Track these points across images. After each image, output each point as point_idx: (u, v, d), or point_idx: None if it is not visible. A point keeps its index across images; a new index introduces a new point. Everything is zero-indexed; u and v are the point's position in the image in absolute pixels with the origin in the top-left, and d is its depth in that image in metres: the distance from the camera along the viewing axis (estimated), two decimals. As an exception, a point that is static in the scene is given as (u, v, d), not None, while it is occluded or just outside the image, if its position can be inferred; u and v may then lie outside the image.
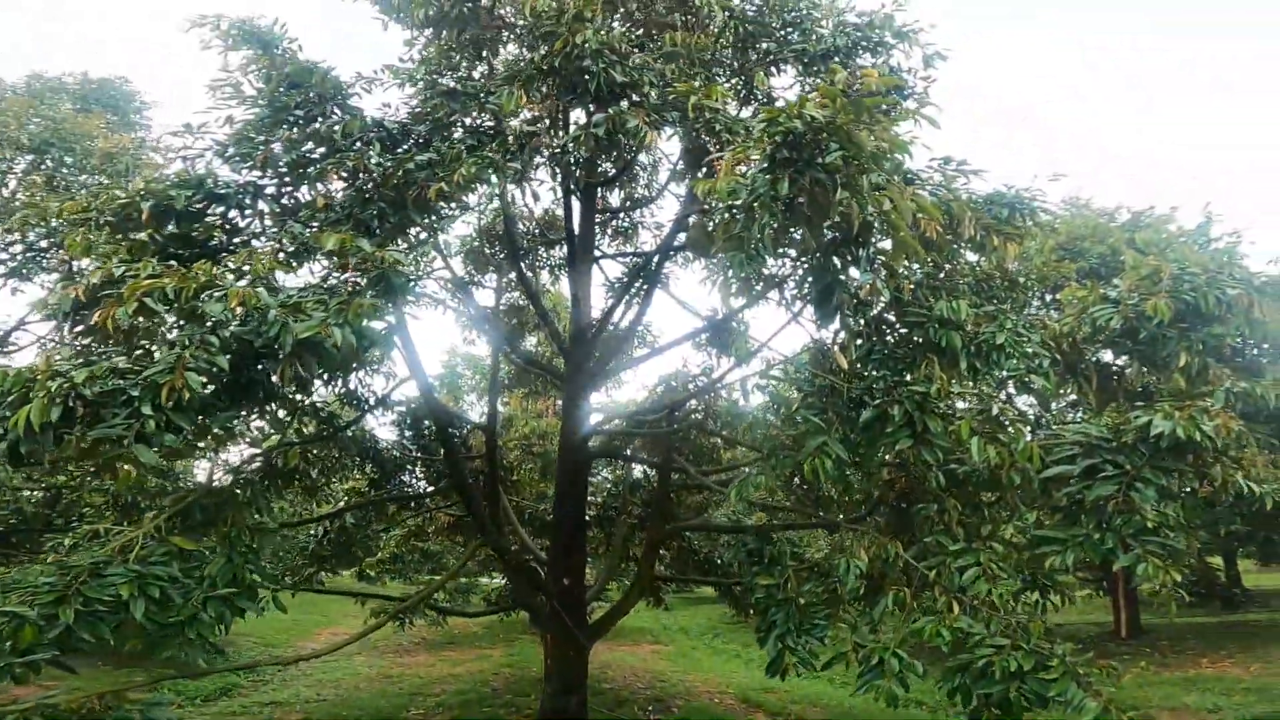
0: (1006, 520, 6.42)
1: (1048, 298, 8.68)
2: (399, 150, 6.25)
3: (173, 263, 4.46)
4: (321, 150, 6.19)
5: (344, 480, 11.03)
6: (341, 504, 10.39)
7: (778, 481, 6.34)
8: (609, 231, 10.90)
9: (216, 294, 3.97)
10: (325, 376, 5.69)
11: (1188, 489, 5.73)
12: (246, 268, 4.33)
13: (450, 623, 17.03)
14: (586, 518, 10.49)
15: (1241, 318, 7.07)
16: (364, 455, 9.47)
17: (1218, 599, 18.96)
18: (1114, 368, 8.09)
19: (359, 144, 6.14)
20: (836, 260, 5.09)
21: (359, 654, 15.89)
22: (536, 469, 13.05)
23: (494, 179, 5.78)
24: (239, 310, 4.17)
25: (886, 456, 5.93)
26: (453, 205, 6.36)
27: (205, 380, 3.79)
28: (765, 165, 4.29)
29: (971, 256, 6.77)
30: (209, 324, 3.93)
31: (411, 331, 6.96)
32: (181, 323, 4.13)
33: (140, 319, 4.07)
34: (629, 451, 10.89)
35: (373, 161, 5.89)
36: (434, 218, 6.34)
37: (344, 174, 6.04)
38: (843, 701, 11.35)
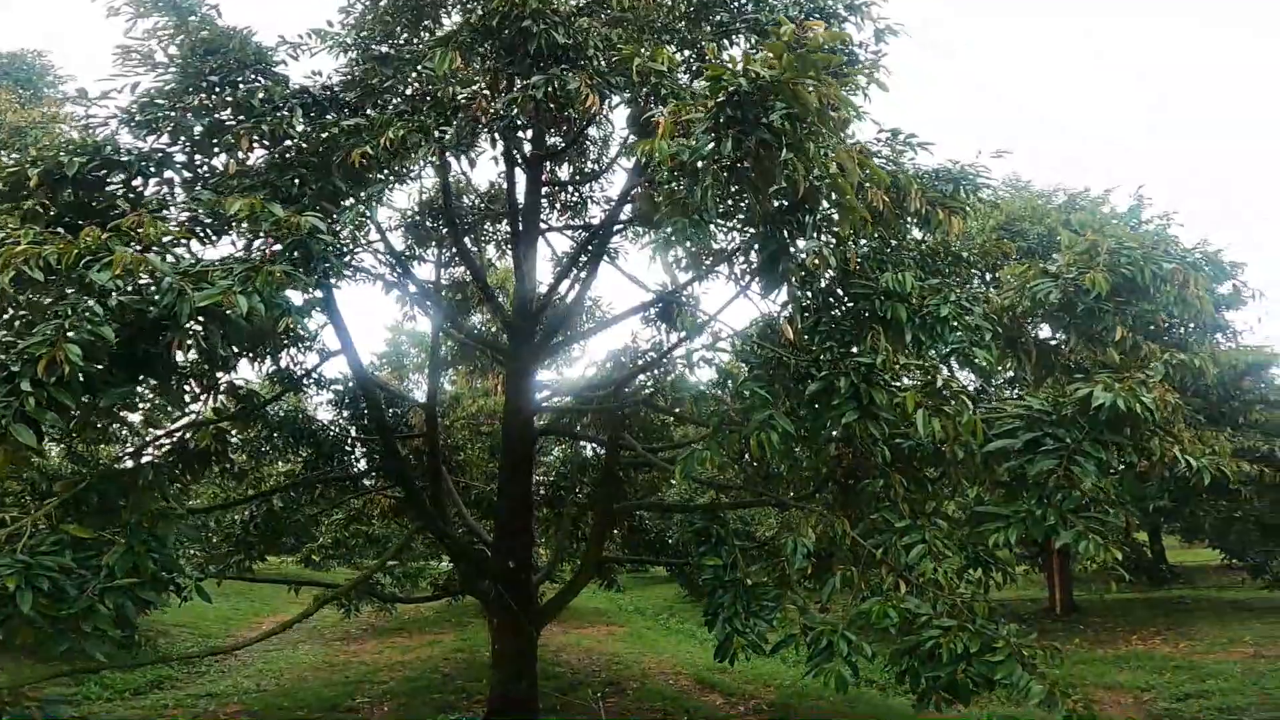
0: (949, 496, 6.43)
1: (988, 276, 8.78)
2: (326, 117, 5.90)
3: (60, 229, 4.07)
4: (240, 118, 5.81)
5: (279, 463, 10.59)
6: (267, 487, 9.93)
7: (725, 457, 6.22)
8: (557, 205, 10.61)
9: (103, 260, 3.62)
10: (247, 352, 5.36)
11: (1125, 463, 5.77)
12: (140, 230, 3.95)
13: (400, 608, 16.65)
14: (535, 497, 10.29)
15: (1174, 294, 7.18)
16: (297, 436, 9.07)
17: (1145, 575, 19.56)
18: (1052, 342, 8.18)
19: (282, 111, 5.77)
20: (784, 230, 4.96)
21: (304, 642, 15.44)
22: (485, 448, 12.75)
23: (424, 144, 5.46)
24: (141, 279, 3.84)
25: (834, 431, 5.86)
26: (384, 173, 6.03)
27: (89, 353, 3.46)
28: (709, 125, 4.10)
29: (917, 233, 6.76)
30: (96, 293, 3.58)
31: (350, 306, 6.65)
32: (69, 292, 3.77)
33: (23, 290, 3.69)
34: (577, 429, 10.70)
35: (296, 128, 5.53)
36: (365, 187, 6.01)
37: (264, 141, 5.67)
38: (797, 680, 11.42)
